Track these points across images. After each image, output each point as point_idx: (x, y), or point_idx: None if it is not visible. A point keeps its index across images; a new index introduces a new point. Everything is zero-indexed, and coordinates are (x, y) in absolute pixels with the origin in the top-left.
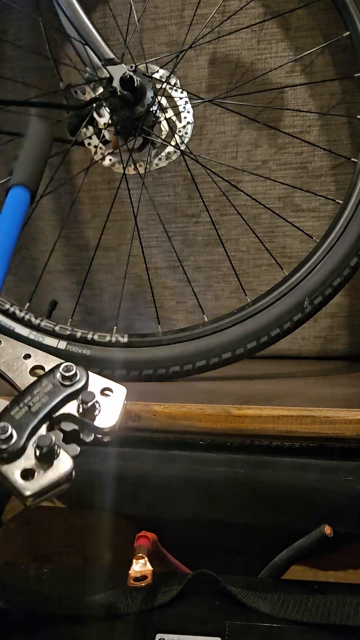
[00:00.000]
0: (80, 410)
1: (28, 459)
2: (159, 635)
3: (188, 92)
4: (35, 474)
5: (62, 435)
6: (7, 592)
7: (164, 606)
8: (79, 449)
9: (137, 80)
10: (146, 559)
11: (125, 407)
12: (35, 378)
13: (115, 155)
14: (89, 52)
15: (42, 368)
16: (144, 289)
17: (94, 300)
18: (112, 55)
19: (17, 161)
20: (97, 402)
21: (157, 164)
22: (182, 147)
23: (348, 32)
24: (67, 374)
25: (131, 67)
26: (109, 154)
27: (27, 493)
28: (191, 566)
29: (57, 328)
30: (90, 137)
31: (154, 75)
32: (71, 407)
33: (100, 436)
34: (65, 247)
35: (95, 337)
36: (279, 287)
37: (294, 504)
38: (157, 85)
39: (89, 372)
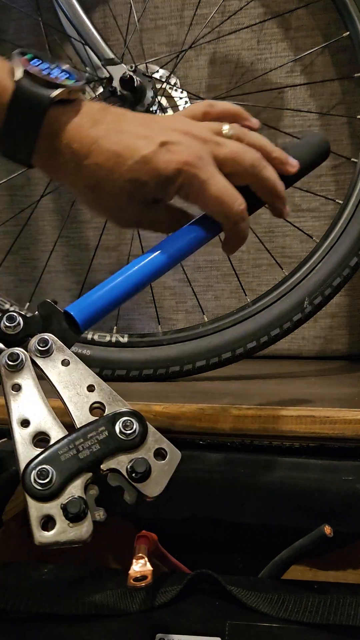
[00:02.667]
0: (129, 469)
1: (55, 505)
2: (158, 635)
3: (188, 92)
4: (56, 524)
5: (96, 493)
6: (7, 592)
7: (163, 606)
8: (105, 516)
9: (137, 80)
10: (146, 558)
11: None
12: (93, 417)
13: None
14: (89, 52)
15: (103, 407)
16: (143, 289)
17: None
18: (112, 55)
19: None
20: (149, 466)
21: None
22: None
23: (348, 32)
24: (127, 430)
25: (131, 67)
26: None
27: (41, 540)
28: (191, 566)
29: None
30: None
31: (153, 75)
32: (121, 463)
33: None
34: (66, 247)
35: (95, 337)
36: (279, 287)
37: (294, 504)
38: (157, 85)
39: (149, 426)
